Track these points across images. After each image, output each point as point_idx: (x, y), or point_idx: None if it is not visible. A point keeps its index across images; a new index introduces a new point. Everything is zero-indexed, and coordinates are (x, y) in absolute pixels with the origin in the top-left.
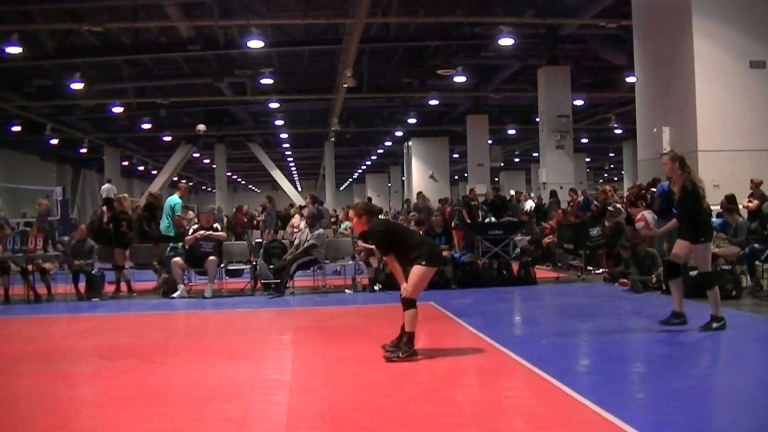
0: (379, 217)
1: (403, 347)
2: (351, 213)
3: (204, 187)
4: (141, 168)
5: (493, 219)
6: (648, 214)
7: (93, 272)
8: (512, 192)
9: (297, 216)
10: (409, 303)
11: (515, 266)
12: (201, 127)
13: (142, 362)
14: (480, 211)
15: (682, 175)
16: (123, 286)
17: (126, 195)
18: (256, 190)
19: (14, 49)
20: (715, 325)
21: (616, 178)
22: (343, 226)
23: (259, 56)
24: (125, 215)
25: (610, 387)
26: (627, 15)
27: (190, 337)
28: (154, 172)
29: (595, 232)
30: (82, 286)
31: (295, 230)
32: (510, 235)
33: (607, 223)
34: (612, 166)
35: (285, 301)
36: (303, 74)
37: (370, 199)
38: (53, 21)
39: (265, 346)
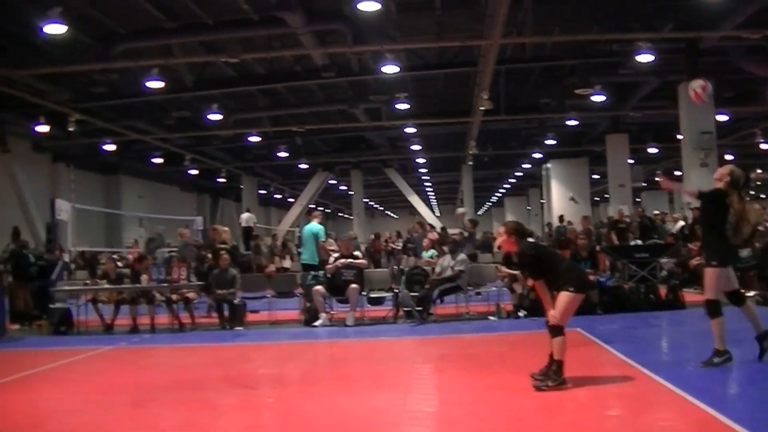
0: (528, 239)
1: (553, 376)
2: (501, 230)
3: (341, 214)
4: (278, 196)
5: (639, 241)
6: None
7: (235, 301)
8: (655, 212)
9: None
10: (557, 330)
11: (662, 290)
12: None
13: (288, 391)
14: (629, 233)
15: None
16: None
17: (218, 227)
18: (394, 215)
19: (155, 84)
20: (716, 359)
21: (763, 196)
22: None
23: (394, 81)
24: (224, 245)
25: None
26: None
27: (334, 366)
28: (291, 200)
29: (745, 253)
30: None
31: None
32: (657, 257)
33: (757, 244)
34: (758, 183)
35: (428, 328)
36: (438, 97)
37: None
38: (191, 54)
39: (410, 375)
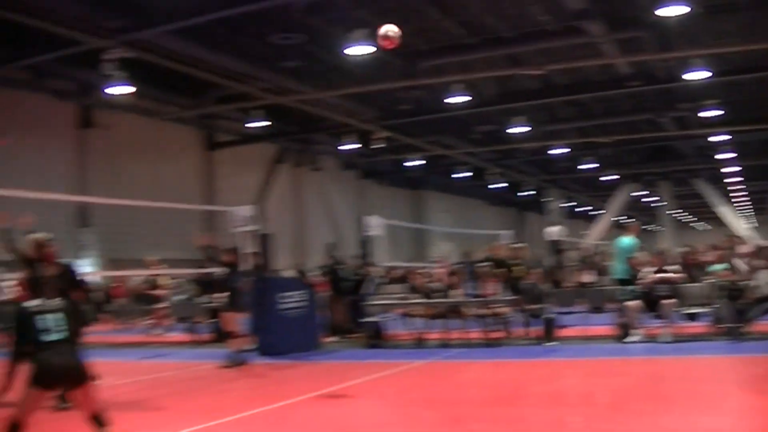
0: None
1: None
2: None
3: (645, 227)
4: (582, 208)
5: None
6: None
7: (546, 316)
8: None
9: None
10: None
11: None
12: None
13: (601, 409)
14: None
15: None
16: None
17: (498, 244)
18: (705, 227)
19: (458, 99)
20: None
21: None
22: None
23: (702, 87)
24: (517, 261)
25: None
26: None
27: (650, 384)
28: (595, 212)
29: None
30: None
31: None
32: None
33: None
34: None
35: (747, 346)
36: (750, 103)
37: None
38: (493, 68)
39: (733, 397)
